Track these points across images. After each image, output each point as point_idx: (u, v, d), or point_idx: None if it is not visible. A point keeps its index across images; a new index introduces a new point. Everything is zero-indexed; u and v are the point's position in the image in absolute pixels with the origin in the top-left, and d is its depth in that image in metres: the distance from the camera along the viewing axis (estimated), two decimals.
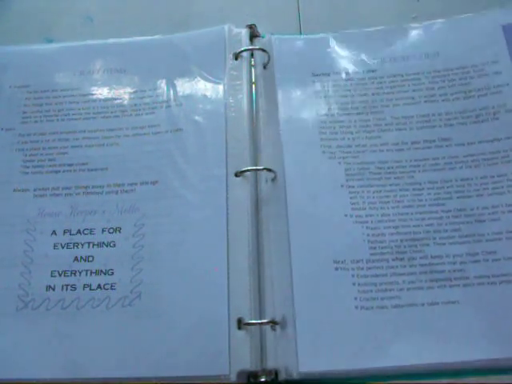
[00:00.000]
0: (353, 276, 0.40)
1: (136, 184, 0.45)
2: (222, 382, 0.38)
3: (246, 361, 0.38)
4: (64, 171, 0.46)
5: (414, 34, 0.51)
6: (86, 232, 0.43)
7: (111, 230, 0.43)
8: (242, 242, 0.42)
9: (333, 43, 0.51)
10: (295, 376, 0.37)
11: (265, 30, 0.51)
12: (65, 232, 0.43)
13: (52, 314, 0.40)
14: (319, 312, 0.39)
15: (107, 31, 0.54)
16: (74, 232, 0.43)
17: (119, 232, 0.43)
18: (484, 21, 0.50)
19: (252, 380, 0.38)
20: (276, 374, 0.38)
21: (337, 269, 0.40)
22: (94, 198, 0.44)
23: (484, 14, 0.51)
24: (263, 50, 0.50)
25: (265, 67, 0.50)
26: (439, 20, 0.51)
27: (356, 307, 0.39)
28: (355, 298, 0.39)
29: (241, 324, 0.39)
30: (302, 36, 0.53)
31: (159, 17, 0.55)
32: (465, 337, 0.38)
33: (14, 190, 0.45)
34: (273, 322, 0.39)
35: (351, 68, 0.49)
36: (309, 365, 0.38)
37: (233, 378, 0.37)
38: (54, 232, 0.43)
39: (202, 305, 0.40)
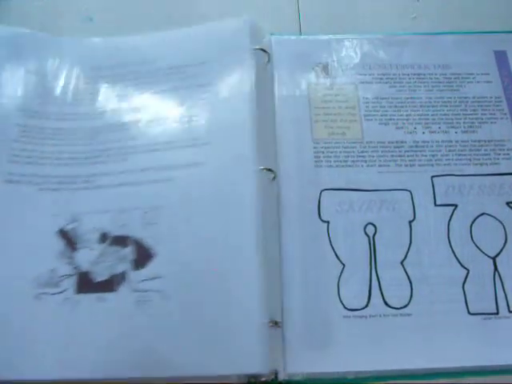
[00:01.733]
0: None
1: None
2: (222, 382, 0.37)
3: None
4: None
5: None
6: None
7: None
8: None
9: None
10: (284, 376, 0.38)
11: (265, 30, 0.51)
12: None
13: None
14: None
15: (107, 31, 0.53)
16: None
17: None
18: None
19: (252, 380, 0.38)
20: (276, 374, 0.38)
21: None
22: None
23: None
24: (263, 51, 0.49)
25: (264, 68, 0.50)
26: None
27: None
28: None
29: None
30: (302, 37, 0.53)
31: (159, 17, 0.55)
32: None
33: None
34: (273, 322, 0.39)
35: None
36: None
37: (233, 378, 0.37)
38: None
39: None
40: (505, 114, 0.48)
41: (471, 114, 0.48)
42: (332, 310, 0.40)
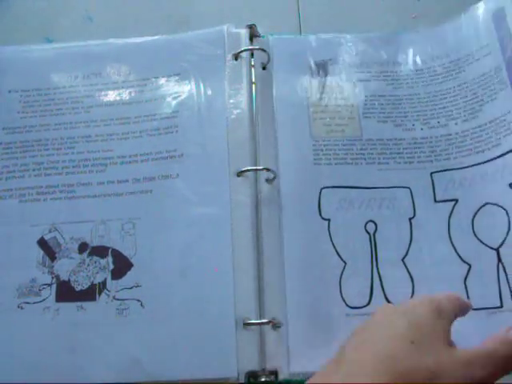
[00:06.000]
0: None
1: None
2: (223, 382, 0.38)
3: (247, 361, 0.39)
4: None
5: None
6: None
7: None
8: (245, 242, 0.42)
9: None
10: (286, 376, 0.38)
11: (265, 30, 0.51)
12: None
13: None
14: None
15: (107, 31, 0.53)
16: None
17: None
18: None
19: (252, 380, 0.39)
20: (276, 374, 0.39)
21: None
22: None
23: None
24: (263, 50, 0.49)
25: (264, 68, 0.50)
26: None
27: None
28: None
29: (243, 324, 0.40)
30: (300, 36, 0.52)
31: (159, 17, 0.55)
32: None
33: None
34: (273, 322, 0.40)
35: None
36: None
37: (233, 378, 0.38)
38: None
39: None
40: (504, 82, 0.46)
41: (472, 99, 0.47)
42: (334, 309, 0.40)
